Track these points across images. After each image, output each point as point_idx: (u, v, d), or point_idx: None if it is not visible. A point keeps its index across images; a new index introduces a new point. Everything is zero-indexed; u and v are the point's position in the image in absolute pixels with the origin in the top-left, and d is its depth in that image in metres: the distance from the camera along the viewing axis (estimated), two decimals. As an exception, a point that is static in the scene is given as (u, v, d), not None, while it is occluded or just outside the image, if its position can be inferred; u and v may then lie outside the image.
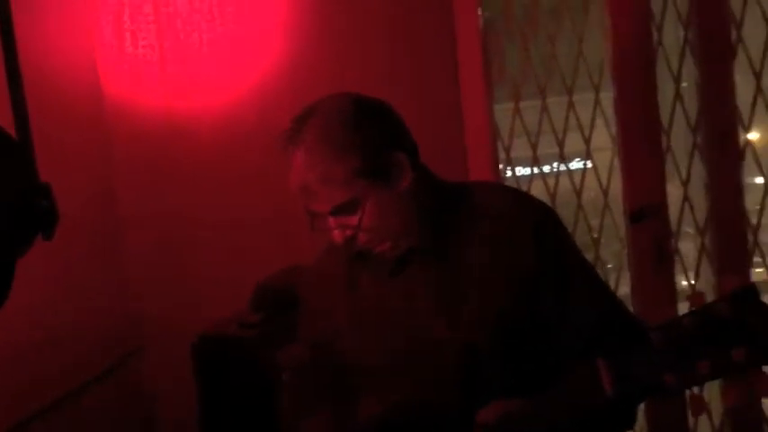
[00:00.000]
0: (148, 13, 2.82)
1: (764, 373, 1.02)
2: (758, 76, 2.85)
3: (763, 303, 1.06)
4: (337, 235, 1.52)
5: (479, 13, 2.80)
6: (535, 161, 2.97)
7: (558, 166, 2.98)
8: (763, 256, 2.87)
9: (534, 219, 1.54)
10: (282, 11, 2.84)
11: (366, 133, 1.51)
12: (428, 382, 1.48)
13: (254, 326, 1.92)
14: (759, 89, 2.86)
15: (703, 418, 2.90)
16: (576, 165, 2.99)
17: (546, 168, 3.01)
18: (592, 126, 2.90)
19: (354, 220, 1.49)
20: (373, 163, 1.50)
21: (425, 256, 1.57)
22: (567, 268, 1.51)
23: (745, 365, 1.01)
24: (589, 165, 2.96)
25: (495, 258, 1.50)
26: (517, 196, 1.65)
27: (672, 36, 2.90)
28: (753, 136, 2.91)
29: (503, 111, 2.98)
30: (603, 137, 2.88)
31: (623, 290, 2.90)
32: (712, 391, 2.93)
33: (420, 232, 1.57)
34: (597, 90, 2.89)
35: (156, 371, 2.83)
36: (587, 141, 2.92)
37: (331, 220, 1.52)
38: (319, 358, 1.60)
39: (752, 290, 1.04)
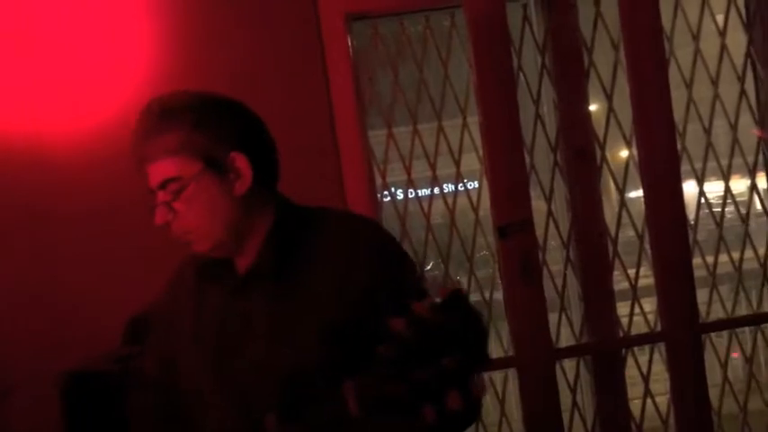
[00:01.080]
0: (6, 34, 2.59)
1: (479, 376, 0.95)
2: (609, 97, 2.89)
3: (470, 308, 1.00)
4: (158, 214, 1.43)
5: (349, 40, 2.72)
6: (410, 185, 2.89)
7: (432, 189, 2.93)
8: (623, 266, 2.90)
9: (373, 244, 1.45)
10: (146, 31, 2.65)
11: (214, 121, 1.44)
12: (259, 406, 1.37)
13: (124, 359, 1.75)
14: (611, 109, 2.89)
15: (576, 419, 2.89)
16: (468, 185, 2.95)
17: (428, 192, 2.95)
18: (460, 149, 2.87)
19: (180, 204, 1.39)
20: (212, 150, 1.42)
21: (265, 277, 1.46)
22: (402, 292, 1.41)
23: (458, 372, 0.93)
24: (464, 187, 2.91)
25: (333, 283, 1.40)
26: (359, 222, 1.56)
27: (531, 60, 2.90)
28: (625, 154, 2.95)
29: (378, 137, 2.90)
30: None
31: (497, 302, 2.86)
32: (585, 394, 2.93)
33: (261, 252, 1.47)
34: (464, 114, 2.85)
35: (22, 414, 2.58)
36: (457, 164, 2.88)
37: (158, 195, 1.42)
38: (161, 378, 1.47)
39: (457, 295, 0.96)
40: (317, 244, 1.46)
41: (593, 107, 2.97)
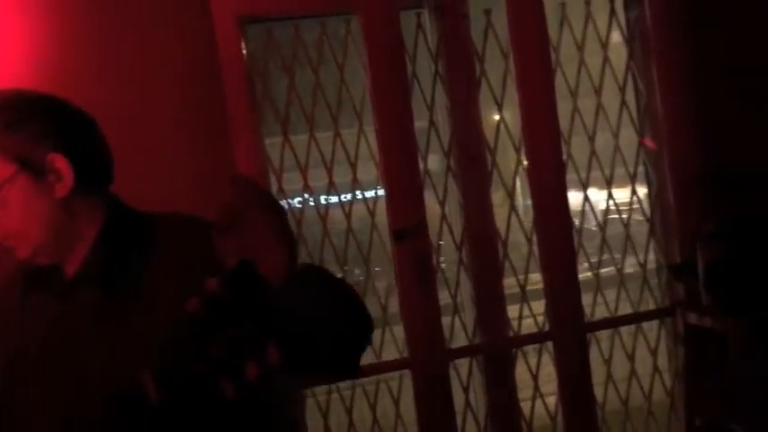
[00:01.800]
0: None
1: (270, 347, 0.91)
2: (500, 105, 2.88)
3: (256, 278, 0.96)
4: None
5: (243, 45, 2.60)
6: (308, 192, 2.80)
7: (329, 197, 2.84)
8: (513, 268, 2.90)
9: (211, 246, 1.34)
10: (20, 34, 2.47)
11: (30, 120, 1.32)
12: (85, 425, 1.25)
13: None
14: (502, 118, 2.89)
15: (469, 418, 2.86)
16: (368, 193, 2.86)
17: (335, 199, 2.85)
18: (356, 156, 2.79)
19: None
20: (27, 151, 1.31)
21: (93, 283, 1.34)
22: None
23: (251, 342, 0.89)
24: (362, 195, 2.83)
25: (168, 288, 1.29)
26: (197, 224, 1.43)
27: (425, 68, 2.86)
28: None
29: (276, 144, 2.78)
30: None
31: (393, 305, 2.80)
32: (478, 393, 2.90)
33: (87, 257, 1.34)
34: (360, 120, 2.78)
35: None
36: (354, 171, 2.79)
37: None
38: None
39: (243, 267, 0.95)
40: (151, 247, 1.34)
41: (497, 116, 2.95)
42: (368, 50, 2.70)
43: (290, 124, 2.79)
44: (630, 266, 3.16)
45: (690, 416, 2.78)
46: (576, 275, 2.87)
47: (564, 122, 2.93)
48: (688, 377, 2.76)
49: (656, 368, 3.04)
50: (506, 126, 2.93)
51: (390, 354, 2.82)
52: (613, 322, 3.01)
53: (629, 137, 3.10)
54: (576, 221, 3.02)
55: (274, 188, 2.74)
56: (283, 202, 2.82)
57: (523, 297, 2.97)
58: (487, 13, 2.88)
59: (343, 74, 2.79)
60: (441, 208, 2.88)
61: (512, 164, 2.97)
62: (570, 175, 2.93)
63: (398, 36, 2.72)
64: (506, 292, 2.92)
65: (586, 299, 2.98)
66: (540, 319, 2.92)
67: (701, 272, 2.59)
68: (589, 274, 3.10)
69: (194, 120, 2.57)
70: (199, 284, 0.94)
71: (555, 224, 2.86)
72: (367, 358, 2.80)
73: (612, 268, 3.09)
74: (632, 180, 3.08)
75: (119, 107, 2.40)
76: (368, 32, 2.68)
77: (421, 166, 2.79)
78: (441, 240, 2.88)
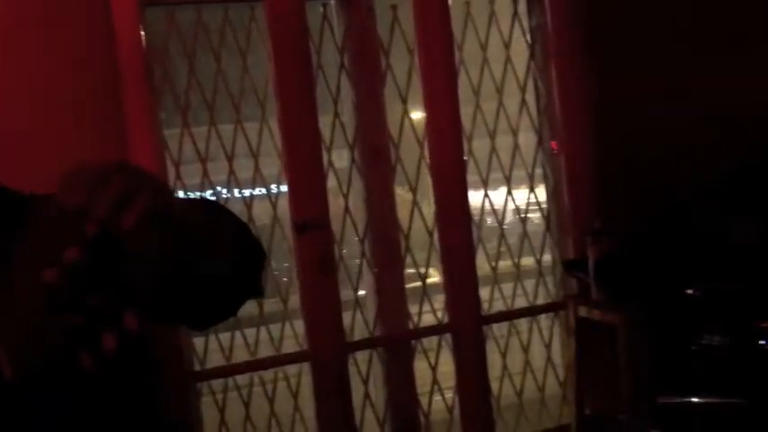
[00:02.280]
0: None
1: (128, 314, 0.84)
2: (404, 100, 2.84)
3: (116, 244, 0.86)
4: None
5: (142, 29, 2.46)
6: (209, 186, 2.67)
7: (230, 190, 2.73)
8: (415, 264, 2.87)
9: None
10: None
11: None
12: None
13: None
14: (406, 112, 2.85)
15: (369, 412, 2.81)
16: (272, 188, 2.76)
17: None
18: (258, 148, 2.68)
19: None
20: None
21: None
22: None
23: (110, 310, 0.83)
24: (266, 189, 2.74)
25: (37, 264, 1.18)
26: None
27: (331, 60, 2.79)
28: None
29: (175, 135, 2.64)
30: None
31: (294, 299, 2.72)
32: (378, 390, 2.86)
33: None
34: (264, 110, 2.67)
35: None
36: (256, 163, 2.69)
37: None
38: None
39: (103, 234, 0.85)
40: (23, 224, 1.23)
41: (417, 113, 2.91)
42: (272, 39, 2.61)
43: (191, 114, 2.67)
44: (528, 262, 3.19)
45: (580, 406, 2.82)
46: (474, 270, 2.87)
47: (469, 123, 2.93)
48: (578, 368, 2.79)
49: (549, 360, 3.07)
50: (411, 121, 2.90)
51: (291, 349, 2.74)
52: (509, 315, 3.03)
53: (529, 138, 3.12)
54: (477, 218, 3.02)
55: (172, 180, 2.61)
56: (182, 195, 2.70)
57: (424, 290, 2.94)
58: (394, 8, 2.84)
59: (246, 62, 2.69)
60: (344, 201, 2.82)
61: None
62: (473, 176, 2.94)
63: (304, 26, 2.64)
64: (410, 286, 2.90)
65: (485, 294, 2.99)
66: (441, 315, 2.90)
67: (590, 267, 2.63)
68: (488, 269, 3.10)
69: (89, 106, 2.43)
70: (58, 254, 0.85)
71: (455, 219, 2.85)
72: (266, 351, 2.74)
73: (511, 264, 3.11)
74: (530, 179, 3.11)
75: (12, 93, 2.24)
76: (272, 21, 2.59)
77: (325, 159, 2.72)
78: (343, 233, 2.82)
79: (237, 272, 1.11)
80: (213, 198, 2.68)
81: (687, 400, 2.29)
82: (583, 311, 2.79)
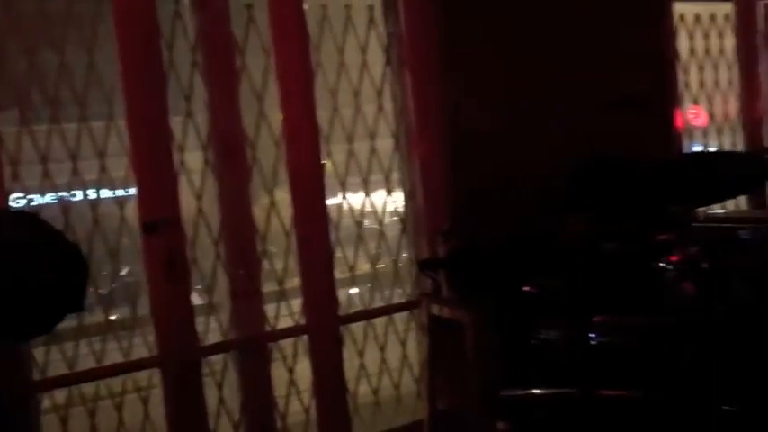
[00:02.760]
0: None
1: None
2: (260, 99, 2.78)
3: None
4: None
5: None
6: (51, 188, 2.49)
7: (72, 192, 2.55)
8: (271, 263, 2.81)
9: None
10: None
11: None
12: None
13: None
14: (262, 112, 2.79)
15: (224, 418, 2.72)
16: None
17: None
18: (105, 147, 2.53)
19: None
20: None
21: None
22: None
23: None
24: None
25: None
26: None
27: (184, 56, 2.68)
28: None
29: (12, 134, 2.44)
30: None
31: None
32: (234, 391, 2.77)
33: None
34: (111, 110, 2.52)
35: None
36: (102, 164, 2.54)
37: None
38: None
39: None
40: None
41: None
42: (119, 35, 2.48)
43: (31, 111, 2.48)
44: (385, 263, 3.20)
45: (432, 402, 2.85)
46: (331, 271, 2.85)
47: (327, 126, 2.91)
48: (430, 365, 2.82)
49: (405, 358, 3.09)
50: (268, 122, 2.84)
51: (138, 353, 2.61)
52: (366, 315, 3.02)
53: (387, 142, 3.14)
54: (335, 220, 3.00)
55: (8, 181, 2.39)
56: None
57: (281, 292, 2.88)
58: (249, 7, 2.78)
59: (92, 58, 2.53)
60: (197, 202, 2.72)
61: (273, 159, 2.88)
62: (331, 179, 2.92)
63: (154, 23, 2.53)
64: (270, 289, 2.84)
65: (343, 294, 2.97)
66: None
67: (441, 266, 2.67)
68: (345, 270, 3.09)
69: None
70: None
71: (312, 221, 2.82)
72: (113, 358, 2.59)
73: (368, 265, 3.11)
74: (387, 182, 3.13)
75: None
76: (120, 15, 2.46)
77: (177, 159, 2.61)
78: (197, 235, 2.71)
79: (51, 285, 1.04)
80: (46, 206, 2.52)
81: (529, 392, 2.36)
82: (435, 309, 2.82)
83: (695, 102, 4.21)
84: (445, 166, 3.03)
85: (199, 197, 2.73)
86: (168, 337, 2.54)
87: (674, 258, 2.28)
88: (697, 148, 4.19)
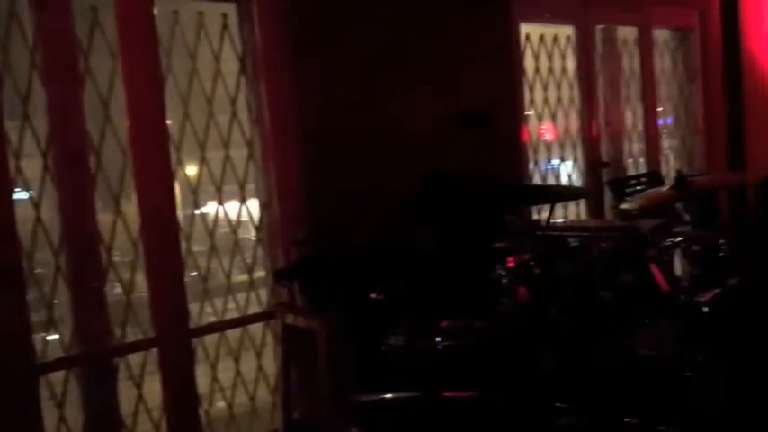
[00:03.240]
0: None
1: None
2: (106, 104, 2.66)
3: None
4: None
5: None
6: None
7: None
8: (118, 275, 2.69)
9: None
10: None
11: None
12: None
13: None
14: (108, 118, 2.67)
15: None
16: None
17: None
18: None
19: None
20: None
21: None
22: None
23: None
24: None
25: None
26: None
27: (22, 57, 2.53)
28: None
29: None
30: None
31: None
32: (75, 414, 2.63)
33: None
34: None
35: None
36: None
37: None
38: None
39: None
40: None
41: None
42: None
43: None
44: (240, 273, 3.15)
45: (287, 411, 2.82)
46: (182, 283, 2.76)
47: (178, 135, 2.84)
48: (285, 375, 2.80)
49: (260, 369, 3.05)
50: (114, 128, 2.72)
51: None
52: (219, 326, 2.95)
53: (241, 152, 3.10)
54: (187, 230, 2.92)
55: None
56: None
57: (127, 302, 2.76)
58: (94, 10, 2.66)
59: None
60: (36, 210, 2.56)
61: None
62: (184, 189, 2.84)
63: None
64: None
65: (195, 306, 2.89)
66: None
67: (289, 275, 2.66)
68: (198, 281, 3.00)
69: None
70: None
71: (162, 232, 2.73)
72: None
73: (222, 276, 3.05)
74: (242, 192, 3.08)
75: None
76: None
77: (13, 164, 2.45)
78: (35, 244, 2.55)
79: None
80: None
81: (380, 397, 2.39)
82: (289, 319, 2.80)
83: (546, 118, 4.45)
84: (300, 176, 3.02)
85: (36, 206, 2.57)
86: (2, 355, 2.36)
87: (509, 265, 2.38)
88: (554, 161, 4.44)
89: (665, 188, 2.80)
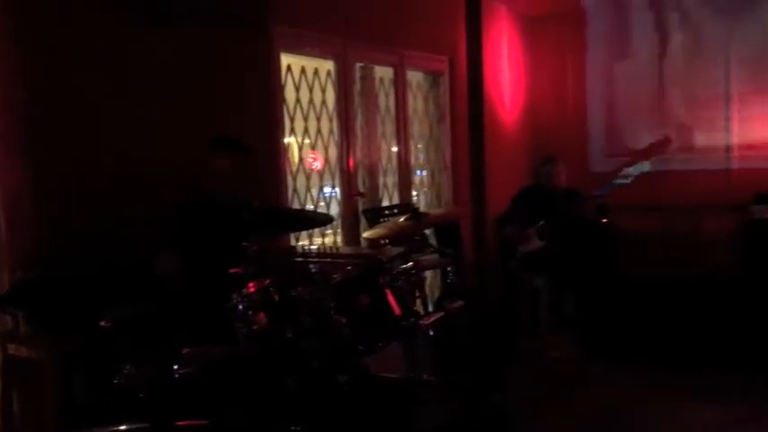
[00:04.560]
0: None
1: None
2: None
3: None
4: None
5: None
6: None
7: None
8: None
9: None
10: None
11: None
12: None
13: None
14: None
15: None
16: None
17: None
18: None
19: None
20: None
21: None
22: None
23: None
24: None
25: None
26: None
27: None
28: None
29: None
30: None
31: None
32: None
33: None
34: None
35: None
36: None
37: None
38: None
39: None
40: None
41: None
42: None
43: None
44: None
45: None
46: None
47: None
48: (4, 409, 2.54)
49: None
50: None
51: None
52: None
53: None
54: None
55: None
56: None
57: None
58: None
59: None
60: None
61: None
62: None
63: None
64: None
65: None
66: None
67: (18, 302, 2.43)
68: None
69: None
70: None
71: None
72: None
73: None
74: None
75: None
76: None
77: None
78: None
79: None
80: None
81: (110, 430, 2.25)
82: (12, 349, 2.55)
83: (307, 148, 4.52)
84: (32, 198, 2.79)
85: None
86: None
87: (250, 290, 2.37)
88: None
89: (402, 219, 2.96)
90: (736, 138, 5.38)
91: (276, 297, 2.42)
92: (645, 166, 4.53)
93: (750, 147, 5.28)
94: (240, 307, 2.33)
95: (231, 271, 2.32)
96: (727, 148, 5.41)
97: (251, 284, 2.40)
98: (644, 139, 5.78)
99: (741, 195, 5.03)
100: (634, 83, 5.81)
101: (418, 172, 5.50)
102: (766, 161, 5.14)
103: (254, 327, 2.36)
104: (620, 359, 4.64)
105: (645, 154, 4.90)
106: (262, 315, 2.38)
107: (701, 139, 5.56)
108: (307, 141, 4.48)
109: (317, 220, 2.99)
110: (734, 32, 5.34)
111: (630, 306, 4.96)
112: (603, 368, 4.56)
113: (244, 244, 2.37)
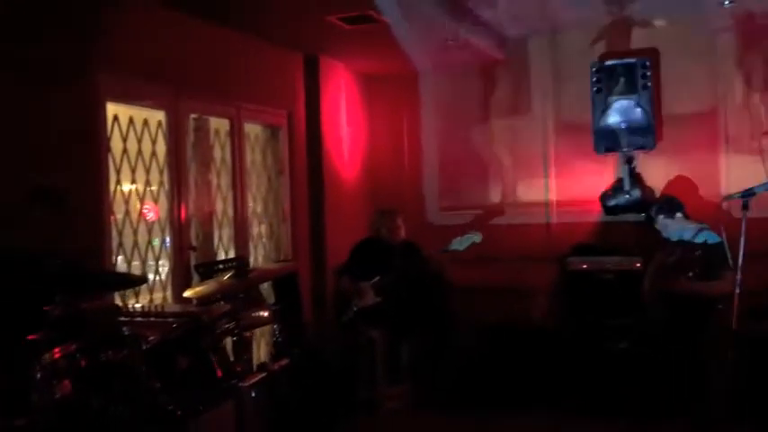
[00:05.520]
0: None
1: None
2: None
3: None
4: None
5: None
6: None
7: None
8: None
9: None
10: None
11: None
12: None
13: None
14: None
15: None
16: None
17: None
18: None
19: None
20: None
21: None
22: None
23: None
24: None
25: None
26: None
27: None
28: None
29: None
30: None
31: None
32: None
33: None
34: None
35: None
36: None
37: None
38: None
39: None
40: None
41: None
42: None
43: None
44: None
45: None
46: None
47: None
48: None
49: None
50: None
51: None
52: None
53: None
54: None
55: None
56: None
57: None
58: None
59: None
60: None
61: None
62: None
63: None
64: None
65: None
66: None
67: None
68: None
69: None
70: None
71: None
72: None
73: None
74: None
75: None
76: None
77: None
78: None
79: None
80: None
81: None
82: None
83: (135, 200, 4.30)
84: None
85: None
86: None
87: (55, 356, 2.17)
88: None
89: (226, 277, 2.86)
90: (554, 195, 5.74)
91: (83, 362, 2.23)
92: (477, 237, 4.68)
93: (568, 203, 5.64)
94: (38, 376, 2.12)
95: (29, 338, 2.12)
96: (547, 204, 5.75)
97: (56, 350, 2.20)
98: (475, 195, 6.05)
99: (560, 248, 5.34)
100: (464, 142, 6.07)
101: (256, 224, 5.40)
102: (582, 216, 5.51)
103: (56, 396, 2.15)
104: (451, 408, 4.73)
105: (476, 223, 5.11)
106: (66, 383, 2.18)
107: (524, 195, 5.88)
108: (135, 192, 4.28)
109: (128, 282, 2.81)
110: (554, 97, 5.73)
111: (462, 355, 5.08)
112: (436, 417, 4.63)
113: (44, 309, 2.17)
